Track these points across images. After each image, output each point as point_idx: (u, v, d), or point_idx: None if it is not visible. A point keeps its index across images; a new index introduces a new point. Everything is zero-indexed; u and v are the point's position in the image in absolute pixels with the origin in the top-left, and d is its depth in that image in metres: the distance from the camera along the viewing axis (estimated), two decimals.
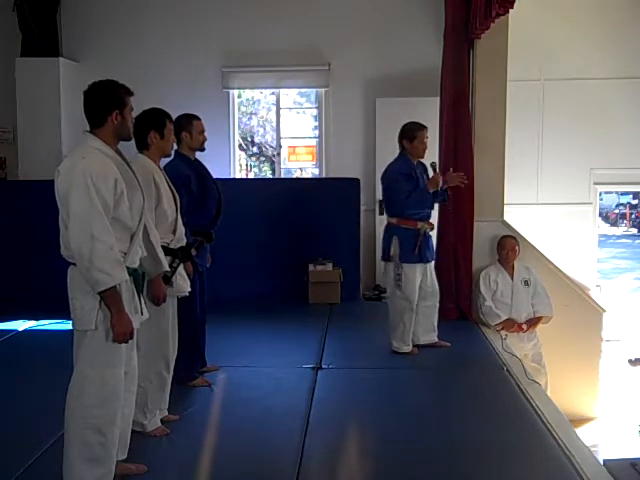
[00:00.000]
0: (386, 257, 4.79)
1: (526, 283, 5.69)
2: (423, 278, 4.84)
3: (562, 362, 5.84)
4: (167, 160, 3.91)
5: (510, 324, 5.60)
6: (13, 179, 7.15)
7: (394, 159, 4.80)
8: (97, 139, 2.75)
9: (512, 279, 5.70)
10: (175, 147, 3.88)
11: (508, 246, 5.71)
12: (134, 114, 2.92)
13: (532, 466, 3.27)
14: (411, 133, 4.68)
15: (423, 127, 4.73)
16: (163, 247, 3.33)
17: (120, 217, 2.73)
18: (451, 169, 4.87)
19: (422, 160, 4.81)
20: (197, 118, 4.17)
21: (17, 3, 7.03)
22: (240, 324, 5.62)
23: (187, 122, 4.10)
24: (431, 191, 4.69)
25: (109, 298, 2.65)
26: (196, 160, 4.24)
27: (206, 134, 4.21)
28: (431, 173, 4.77)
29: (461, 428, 3.64)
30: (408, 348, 4.83)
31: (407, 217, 4.68)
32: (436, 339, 5.02)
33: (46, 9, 7.07)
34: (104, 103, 2.75)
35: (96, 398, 2.72)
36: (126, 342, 2.75)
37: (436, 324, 5.02)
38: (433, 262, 4.97)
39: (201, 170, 4.23)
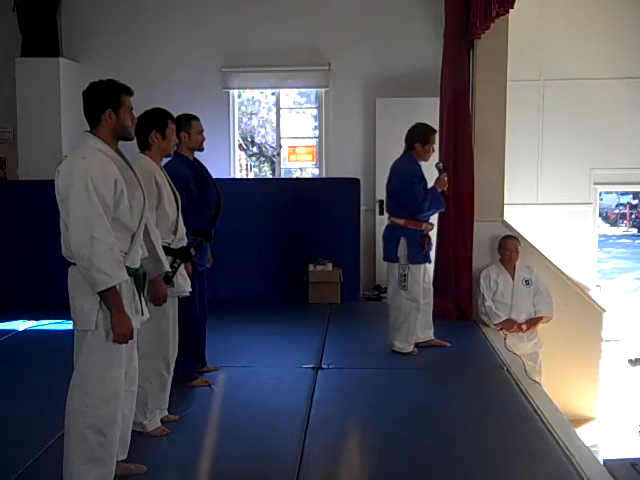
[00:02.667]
0: (391, 258, 4.78)
1: (527, 283, 5.68)
2: (423, 276, 4.87)
3: (562, 362, 5.84)
4: (167, 160, 3.91)
5: (509, 324, 5.60)
6: (13, 179, 7.14)
7: (400, 158, 4.78)
8: (97, 139, 2.75)
9: (513, 279, 5.70)
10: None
11: (511, 247, 5.69)
12: (135, 114, 2.91)
13: (532, 466, 3.27)
14: (425, 136, 4.68)
15: (435, 130, 4.78)
16: (164, 247, 3.33)
17: (120, 217, 2.73)
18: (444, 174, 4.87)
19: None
20: (196, 118, 4.17)
21: (17, 3, 7.03)
22: (240, 324, 5.63)
23: (186, 122, 4.10)
24: (440, 191, 4.74)
25: (109, 298, 2.65)
26: (195, 160, 4.24)
27: (205, 134, 4.21)
28: (436, 174, 4.80)
29: (461, 428, 3.65)
30: (411, 348, 4.83)
31: (414, 218, 4.69)
32: (432, 336, 5.04)
33: (46, 9, 7.07)
34: (97, 102, 2.75)
35: (96, 398, 2.72)
36: (126, 342, 2.74)
37: (431, 321, 5.06)
38: None
39: (200, 170, 4.23)
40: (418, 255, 4.70)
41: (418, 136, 4.69)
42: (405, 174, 4.68)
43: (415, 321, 4.80)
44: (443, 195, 4.85)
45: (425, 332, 5.00)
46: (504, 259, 5.73)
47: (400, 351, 4.81)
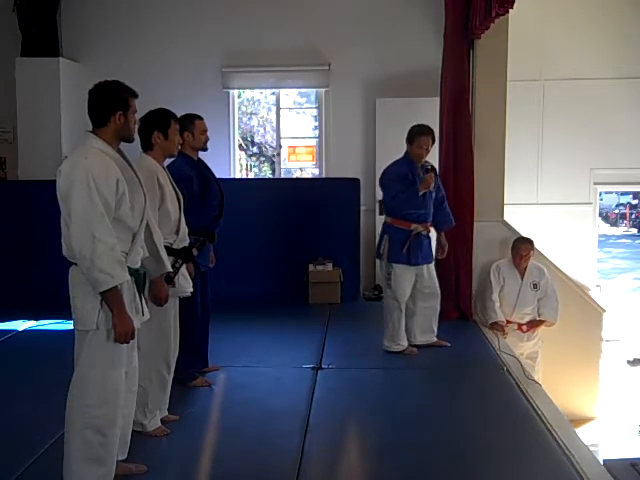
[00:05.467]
0: (378, 255, 4.85)
1: (535, 287, 5.62)
2: (418, 279, 4.83)
3: (562, 362, 5.84)
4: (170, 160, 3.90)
5: (498, 327, 5.57)
6: (13, 179, 7.14)
7: (397, 159, 4.81)
8: (99, 139, 2.75)
9: (522, 279, 5.66)
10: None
11: (523, 252, 5.59)
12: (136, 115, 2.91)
13: (532, 466, 3.27)
14: (410, 136, 4.71)
15: (425, 133, 4.69)
16: (166, 247, 3.33)
17: (122, 217, 2.73)
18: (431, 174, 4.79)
19: (433, 164, 4.81)
20: (199, 118, 4.17)
21: (17, 3, 7.02)
22: (240, 324, 5.62)
23: (189, 122, 4.10)
24: (421, 193, 4.66)
25: (110, 298, 2.65)
26: (199, 160, 4.23)
27: (208, 134, 4.21)
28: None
29: (461, 428, 3.65)
30: (399, 347, 4.82)
31: (400, 217, 4.69)
32: (435, 339, 5.01)
33: (46, 9, 7.06)
34: (108, 103, 2.75)
35: (97, 398, 2.72)
36: (127, 342, 2.74)
37: (435, 326, 5.00)
38: (432, 264, 4.93)
39: (203, 170, 4.23)
40: (398, 255, 4.67)
41: (407, 136, 4.74)
42: (387, 173, 4.76)
43: (399, 321, 4.78)
44: (431, 195, 4.77)
45: (424, 335, 4.97)
46: (515, 261, 5.67)
47: (388, 350, 4.82)
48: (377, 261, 4.98)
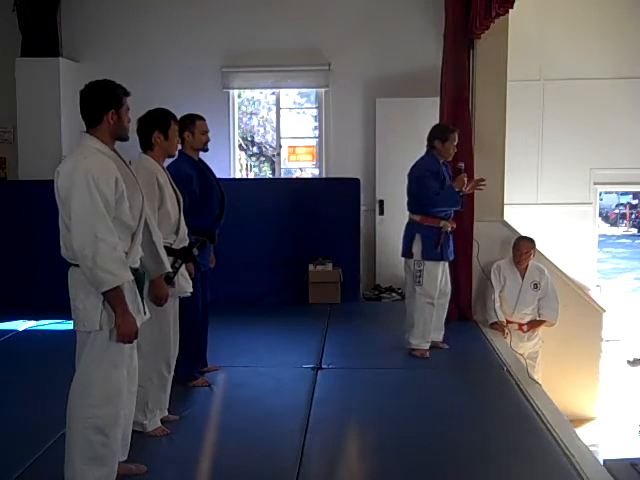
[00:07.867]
0: (406, 254, 4.83)
1: (535, 287, 5.63)
2: (441, 276, 4.85)
3: (562, 362, 5.84)
4: (171, 160, 3.90)
5: (498, 327, 5.57)
6: (13, 179, 7.15)
7: (421, 157, 4.84)
8: (95, 139, 2.74)
9: (522, 279, 5.66)
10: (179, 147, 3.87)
11: (523, 249, 5.62)
12: (133, 114, 2.91)
13: (532, 466, 3.27)
14: (444, 134, 4.76)
15: (455, 130, 4.83)
16: (166, 247, 3.33)
17: (121, 216, 2.73)
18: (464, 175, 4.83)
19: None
20: (200, 118, 4.17)
21: (17, 3, 7.03)
22: (240, 324, 5.62)
23: (190, 122, 4.11)
24: (457, 190, 4.73)
25: (114, 298, 2.65)
26: (200, 160, 4.24)
27: (209, 134, 4.21)
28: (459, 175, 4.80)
29: (461, 428, 3.65)
30: (427, 345, 4.82)
31: (431, 215, 4.72)
32: (441, 338, 5.02)
33: (46, 9, 7.07)
34: (100, 102, 2.75)
35: (99, 398, 2.72)
36: (130, 342, 2.75)
37: (443, 323, 5.03)
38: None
39: (204, 170, 4.23)
40: (433, 252, 4.71)
41: (437, 134, 4.78)
42: (419, 169, 4.77)
43: (431, 317, 4.79)
44: (462, 195, 4.83)
45: (435, 332, 4.95)
46: (515, 259, 5.68)
47: (417, 347, 4.79)
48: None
